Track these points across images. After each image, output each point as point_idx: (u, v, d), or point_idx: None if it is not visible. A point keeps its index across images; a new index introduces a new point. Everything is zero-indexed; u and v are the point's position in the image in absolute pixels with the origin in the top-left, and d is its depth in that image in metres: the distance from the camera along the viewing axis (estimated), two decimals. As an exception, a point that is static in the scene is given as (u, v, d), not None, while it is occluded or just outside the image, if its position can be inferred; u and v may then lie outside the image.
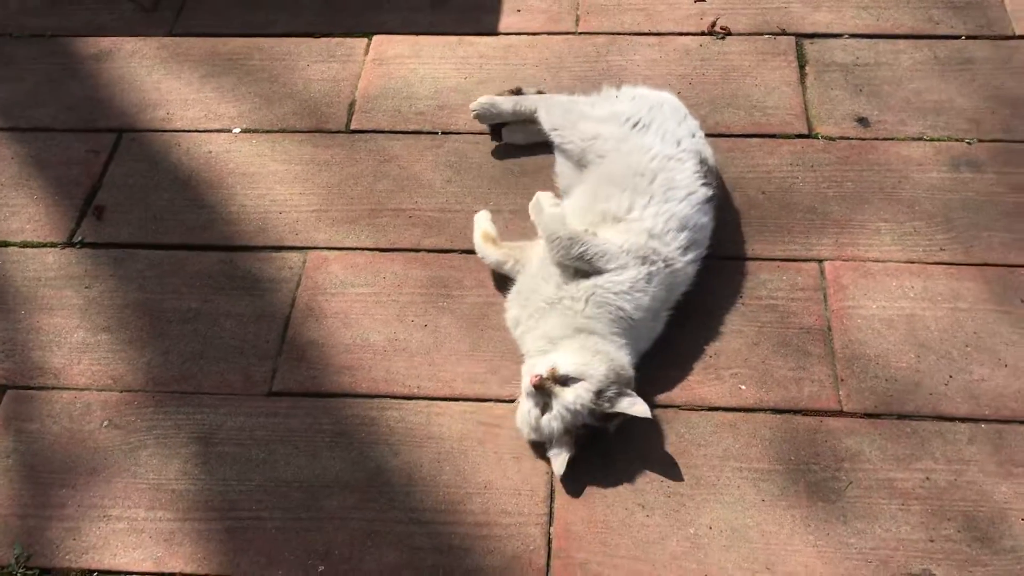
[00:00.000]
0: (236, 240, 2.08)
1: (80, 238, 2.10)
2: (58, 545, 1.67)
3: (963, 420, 1.73)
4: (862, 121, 2.21)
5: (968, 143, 2.14)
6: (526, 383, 1.64)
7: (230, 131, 2.29)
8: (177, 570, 1.63)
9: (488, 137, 2.22)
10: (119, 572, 1.63)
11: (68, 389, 1.87)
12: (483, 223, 1.97)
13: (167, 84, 2.39)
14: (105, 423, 1.81)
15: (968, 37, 2.35)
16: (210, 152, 2.24)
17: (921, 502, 1.64)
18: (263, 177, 2.19)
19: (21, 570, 1.63)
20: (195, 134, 2.28)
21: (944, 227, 2.00)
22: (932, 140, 2.15)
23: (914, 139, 2.16)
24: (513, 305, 1.83)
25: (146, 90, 2.39)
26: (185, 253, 2.06)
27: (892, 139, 2.16)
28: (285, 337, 1.91)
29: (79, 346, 1.93)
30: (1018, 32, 2.35)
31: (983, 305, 1.87)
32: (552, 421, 1.61)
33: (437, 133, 2.25)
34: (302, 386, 1.84)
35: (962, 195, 2.05)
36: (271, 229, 2.09)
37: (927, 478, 1.66)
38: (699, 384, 1.80)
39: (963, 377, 1.78)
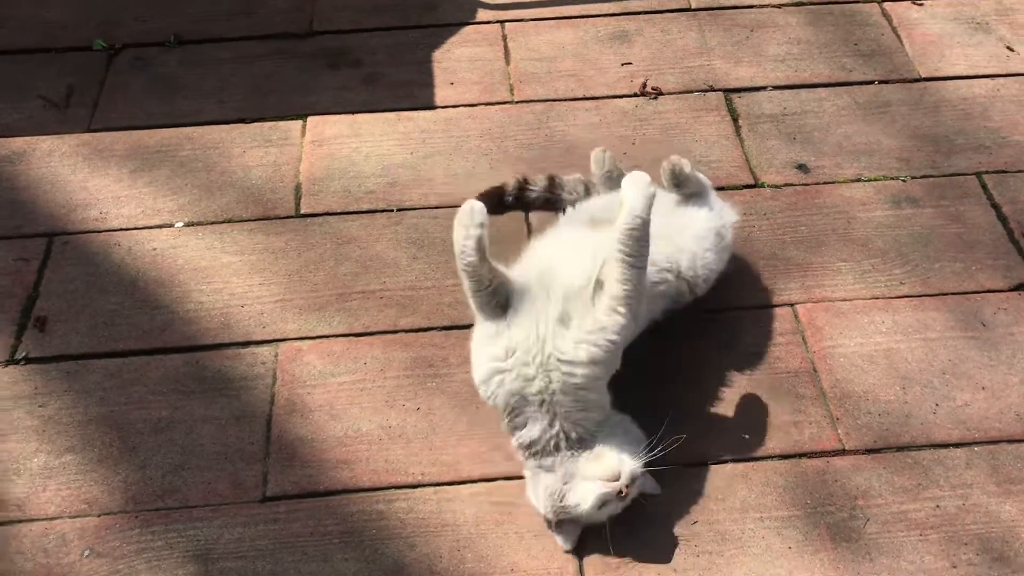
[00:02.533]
0: (199, 339, 1.96)
1: (23, 354, 1.94)
2: None
3: (956, 446, 1.79)
4: (802, 167, 2.30)
5: (903, 180, 2.26)
6: (606, 477, 1.56)
7: (172, 226, 2.18)
8: None
9: (449, 211, 2.19)
10: None
11: (37, 520, 1.70)
12: (480, 217, 1.62)
13: (95, 182, 2.27)
14: (86, 552, 1.66)
15: (880, 82, 2.50)
16: (155, 249, 2.13)
17: (936, 530, 1.68)
18: (217, 271, 2.09)
19: None
20: (135, 232, 2.16)
21: (899, 262, 2.09)
22: (870, 180, 2.26)
23: (853, 180, 2.26)
24: (510, 364, 1.61)
25: (72, 190, 2.25)
26: (145, 358, 1.94)
27: (833, 182, 2.26)
28: (270, 437, 1.81)
29: (42, 471, 1.77)
30: (923, 75, 2.51)
31: (951, 332, 1.96)
32: (583, 506, 1.57)
33: (393, 210, 2.21)
34: (299, 487, 1.75)
35: (909, 230, 2.15)
36: (235, 324, 1.99)
37: (937, 506, 1.71)
38: (701, 440, 1.80)
39: (948, 404, 1.85)
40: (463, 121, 2.41)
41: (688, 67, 2.54)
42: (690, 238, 1.87)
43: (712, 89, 2.49)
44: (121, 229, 2.17)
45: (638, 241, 1.58)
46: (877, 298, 2.02)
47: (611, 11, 2.72)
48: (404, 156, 2.33)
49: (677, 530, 1.68)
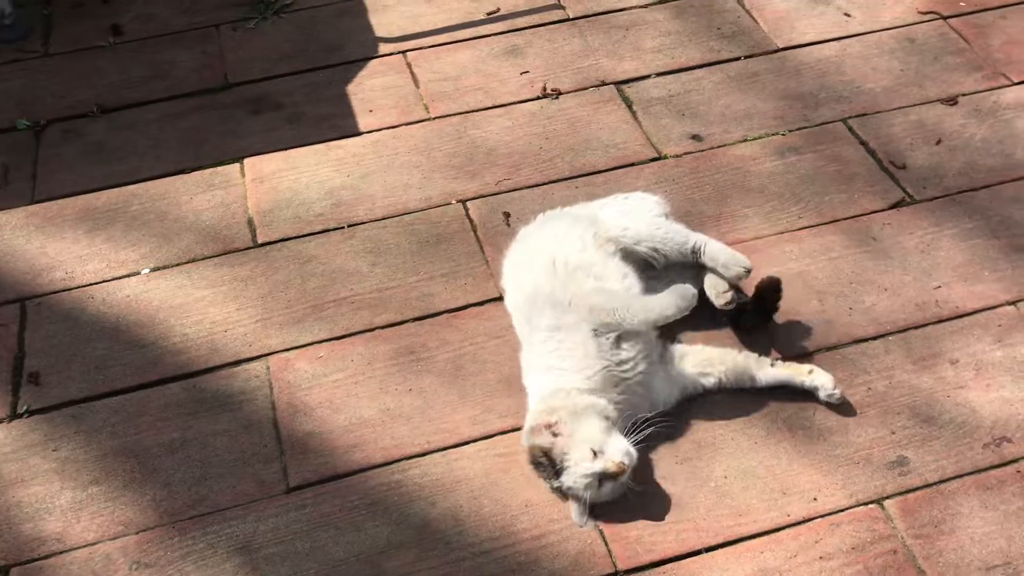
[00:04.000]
0: (192, 366, 2.10)
1: (25, 407, 2.04)
2: None
3: (874, 338, 2.10)
4: (695, 137, 2.60)
5: (783, 134, 2.59)
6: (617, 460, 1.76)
7: (140, 273, 2.31)
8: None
9: (395, 219, 2.41)
10: None
11: (79, 548, 1.81)
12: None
13: (53, 246, 2.38)
14: (134, 566, 1.78)
15: (746, 57, 2.84)
16: (128, 296, 2.26)
17: (873, 407, 1.97)
18: (193, 305, 2.23)
19: None
20: (105, 284, 2.29)
21: (794, 201, 2.41)
22: (755, 139, 2.58)
23: (741, 141, 2.58)
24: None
25: (32, 257, 2.36)
26: (144, 392, 2.07)
27: (724, 145, 2.57)
28: (280, 437, 1.97)
29: (72, 505, 1.88)
30: (780, 46, 2.87)
31: (849, 250, 2.28)
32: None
33: (344, 227, 2.40)
34: (318, 474, 1.91)
35: (796, 174, 2.48)
36: (223, 348, 2.14)
37: (868, 388, 2.00)
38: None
39: (859, 307, 2.16)
40: (389, 141, 2.63)
41: (579, 68, 2.83)
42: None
43: (604, 84, 2.78)
44: (91, 284, 2.29)
45: None
46: (782, 233, 2.33)
47: (499, 30, 2.99)
48: (343, 179, 2.52)
49: (662, 444, 1.91)
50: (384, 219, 2.41)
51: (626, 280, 1.99)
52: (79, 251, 2.36)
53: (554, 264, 1.97)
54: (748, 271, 2.06)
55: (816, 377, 1.95)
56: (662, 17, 3.00)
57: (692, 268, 2.11)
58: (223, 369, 2.10)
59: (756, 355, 1.99)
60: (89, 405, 2.04)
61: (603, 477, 1.74)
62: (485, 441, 1.94)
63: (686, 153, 2.56)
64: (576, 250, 2.00)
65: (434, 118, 2.69)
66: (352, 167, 2.56)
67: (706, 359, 1.97)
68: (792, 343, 2.09)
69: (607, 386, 1.86)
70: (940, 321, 2.12)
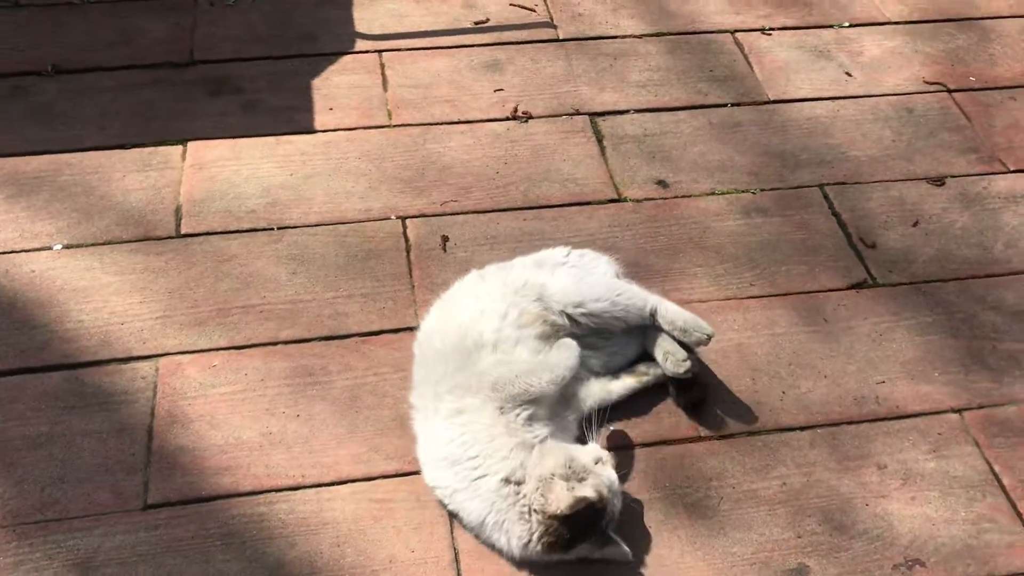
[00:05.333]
0: (79, 357, 1.99)
1: None
2: None
3: (801, 428, 1.95)
4: (661, 183, 2.46)
5: (753, 193, 2.44)
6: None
7: (51, 248, 2.20)
8: None
9: (328, 228, 2.28)
10: None
11: (-89, 538, 1.70)
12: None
13: (-31, 207, 2.27)
14: (-38, 566, 1.67)
15: (733, 104, 2.70)
16: (33, 271, 2.15)
17: (783, 505, 1.82)
18: (96, 290, 2.12)
19: None
20: (12, 255, 2.18)
21: (749, 266, 2.26)
22: (723, 193, 2.44)
23: (708, 194, 2.43)
24: None
25: (-54, 216, 2.25)
26: (23, 377, 1.95)
27: (689, 196, 2.43)
28: (151, 448, 1.85)
29: (-84, 490, 1.77)
30: (772, 97, 2.72)
31: (795, 328, 2.13)
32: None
33: (273, 229, 2.28)
34: (180, 494, 1.79)
35: (758, 237, 2.33)
36: (115, 341, 2.02)
37: (784, 483, 1.86)
38: (570, 432, 1.91)
39: (793, 392, 2.01)
40: (342, 144, 2.50)
41: (556, 93, 2.70)
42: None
43: (578, 113, 2.64)
44: (-2, 253, 2.18)
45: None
46: (729, 299, 2.18)
47: (484, 41, 2.86)
48: (284, 177, 2.40)
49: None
50: (317, 226, 2.29)
51: (538, 356, 1.84)
52: (-5, 216, 2.25)
53: (464, 339, 1.82)
54: (710, 337, 1.93)
55: (653, 368, 1.94)
56: (654, 50, 2.86)
57: (637, 330, 1.97)
58: (110, 364, 1.98)
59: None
60: (-37, 383, 1.93)
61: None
62: (364, 483, 1.82)
63: (647, 199, 2.41)
64: (493, 326, 1.84)
65: (394, 125, 2.57)
66: (297, 166, 2.43)
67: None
68: (711, 420, 1.95)
69: (524, 455, 1.72)
70: (876, 420, 1.97)
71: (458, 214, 2.34)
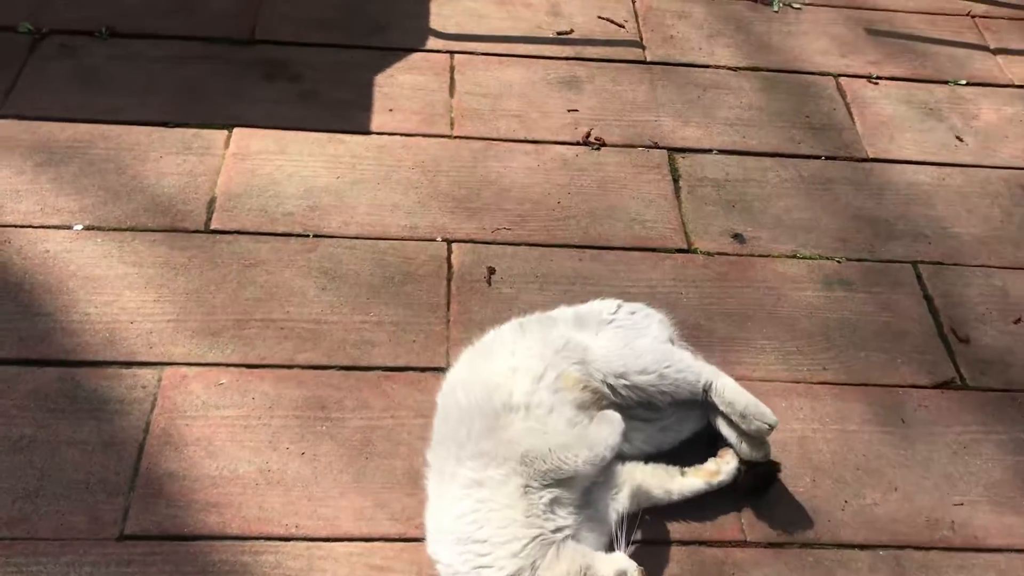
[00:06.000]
0: (79, 354, 1.83)
1: None
2: None
3: (861, 547, 1.72)
4: (737, 237, 2.23)
5: (838, 261, 2.20)
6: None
7: (71, 228, 2.04)
8: None
9: (368, 242, 2.09)
10: None
11: None
12: None
13: (-6, 172, 2.12)
14: (-87, 580, 1.51)
15: (827, 158, 2.45)
16: (47, 251, 1.99)
17: (831, 637, 1.59)
18: (110, 281, 1.95)
19: None
20: (29, 230, 2.03)
21: (824, 346, 2.02)
22: (805, 258, 2.20)
23: (788, 256, 2.19)
24: None
25: (-32, 177, 2.11)
26: (17, 369, 1.80)
27: (767, 256, 2.19)
28: (139, 469, 1.68)
29: None
30: (871, 155, 2.47)
31: (868, 426, 1.89)
32: None
33: (308, 236, 2.09)
34: (161, 527, 1.61)
35: (838, 314, 2.09)
36: (120, 341, 1.86)
37: (834, 610, 1.63)
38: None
39: (857, 502, 1.77)
40: (397, 150, 2.31)
41: (635, 121, 2.47)
42: None
43: (657, 146, 2.42)
44: (15, 225, 2.03)
45: None
46: (798, 382, 1.95)
47: (565, 54, 2.65)
48: (330, 180, 2.22)
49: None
50: (356, 238, 2.10)
51: (575, 428, 1.63)
52: (19, 184, 2.11)
53: (491, 398, 1.61)
54: (772, 427, 1.71)
55: (725, 464, 1.70)
56: (748, 86, 2.61)
57: (692, 404, 1.76)
58: (111, 367, 1.82)
59: (665, 465, 1.69)
60: (-48, 368, 1.78)
61: None
62: (363, 544, 1.63)
63: (720, 253, 2.18)
64: (525, 388, 1.62)
65: (456, 136, 2.37)
66: (345, 168, 2.25)
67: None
68: (760, 524, 1.72)
69: (539, 554, 1.49)
70: (949, 549, 1.73)
71: (509, 244, 2.13)
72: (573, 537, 1.51)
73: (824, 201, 2.34)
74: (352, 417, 1.79)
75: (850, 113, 2.58)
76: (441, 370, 1.87)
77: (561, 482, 1.53)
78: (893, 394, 1.95)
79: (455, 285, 2.03)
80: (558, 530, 1.50)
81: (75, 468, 1.67)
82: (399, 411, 1.81)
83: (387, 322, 1.94)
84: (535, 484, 1.51)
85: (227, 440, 1.73)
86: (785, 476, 1.79)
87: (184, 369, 1.83)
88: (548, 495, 1.51)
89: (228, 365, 1.84)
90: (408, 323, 1.95)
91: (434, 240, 2.12)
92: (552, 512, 1.51)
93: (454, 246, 2.11)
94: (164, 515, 1.62)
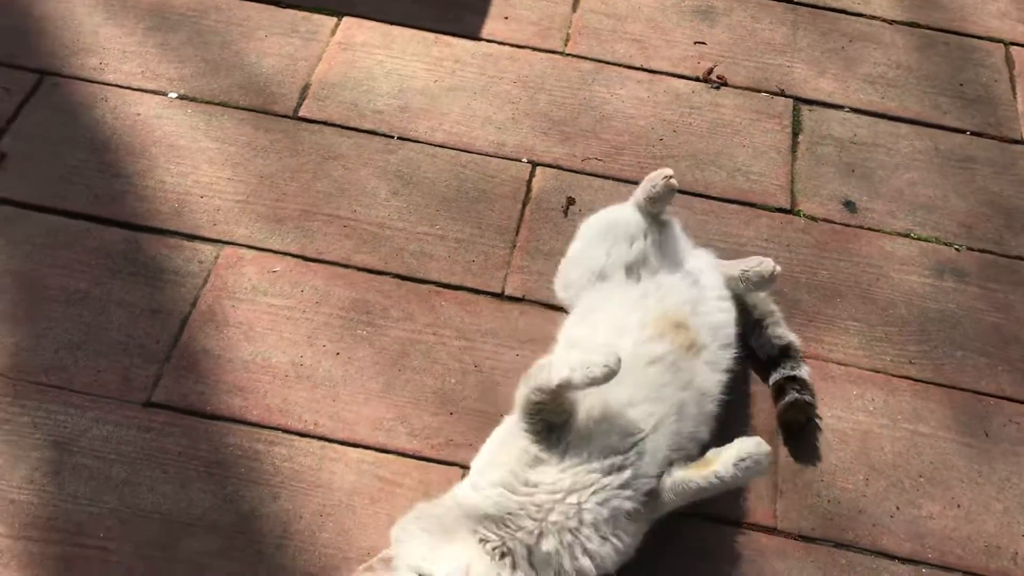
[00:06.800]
0: (147, 220, 1.85)
1: (-29, 186, 1.86)
2: None
3: (904, 560, 1.57)
4: (849, 205, 2.04)
5: (956, 249, 1.98)
6: None
7: (166, 95, 2.06)
8: (-5, 599, 1.41)
9: (451, 152, 2.02)
10: (-73, 591, 1.41)
11: (-83, 361, 1.63)
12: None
13: (106, 31, 2.15)
14: (-48, 407, 1.59)
15: (973, 133, 2.20)
16: (139, 115, 2.01)
17: (845, 649, 1.47)
18: (192, 153, 1.96)
19: None
20: (126, 91, 2.05)
21: (918, 338, 1.83)
22: (919, 239, 1.99)
23: (900, 234, 1.99)
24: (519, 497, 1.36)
25: (82, 32, 2.14)
26: (87, 224, 1.84)
27: (877, 230, 2.00)
28: (178, 340, 1.70)
29: (-58, 312, 1.70)
30: (1025, 137, 2.20)
31: (945, 432, 1.71)
32: None
33: (393, 137, 2.04)
34: (186, 401, 1.63)
35: (942, 305, 1.89)
36: (188, 213, 1.87)
37: (856, 622, 1.50)
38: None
39: (911, 511, 1.62)
40: (502, 61, 2.21)
41: (765, 63, 2.28)
42: None
43: (783, 94, 2.22)
44: (114, 84, 2.06)
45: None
46: (877, 371, 1.78)
47: (706, -18, 2.46)
48: (427, 83, 2.15)
49: None
50: (439, 147, 2.03)
51: None
52: (127, 46, 2.13)
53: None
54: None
55: (725, 455, 1.39)
56: (901, 43, 2.36)
57: None
58: (174, 237, 1.83)
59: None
60: (28, 213, 1.84)
61: None
62: (376, 454, 1.60)
63: (825, 219, 2.00)
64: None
65: (567, 54, 2.24)
66: (445, 73, 2.17)
67: None
68: (795, 513, 1.59)
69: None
70: (1005, 582, 1.56)
71: (597, 176, 2.02)
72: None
73: (957, 180, 2.11)
74: (394, 327, 1.75)
75: (1013, 87, 2.30)
76: (495, 295, 1.80)
77: (550, 433, 1.37)
78: (983, 403, 1.76)
79: (529, 210, 1.94)
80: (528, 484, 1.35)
81: (119, 329, 1.70)
82: (443, 329, 1.75)
83: (450, 237, 1.88)
84: (526, 421, 1.37)
85: (267, 328, 1.72)
86: (836, 470, 1.65)
87: (242, 251, 1.82)
88: (535, 447, 1.37)
89: (285, 254, 1.83)
90: (472, 241, 1.88)
91: (519, 160, 2.03)
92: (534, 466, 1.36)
93: (538, 170, 2.02)
94: (191, 390, 1.64)
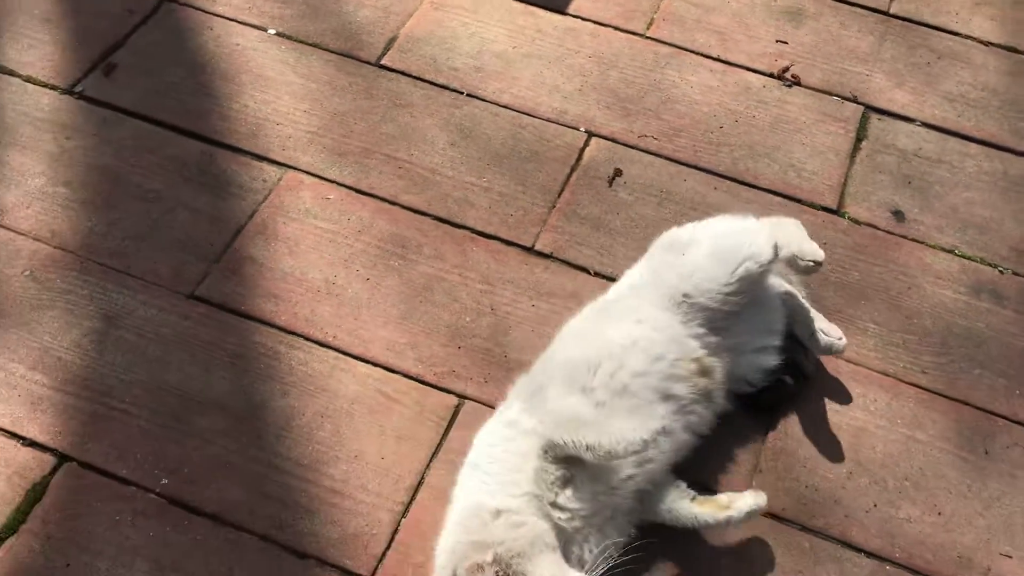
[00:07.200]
0: (224, 137, 2.03)
1: (81, 89, 2.09)
2: (-67, 374, 1.67)
3: (869, 554, 1.59)
4: (897, 214, 2.04)
5: (1001, 271, 1.96)
6: None
7: (265, 30, 2.24)
8: (28, 435, 1.61)
9: (513, 114, 2.13)
10: (-25, 419, 1.62)
11: (7, 229, 1.86)
12: None
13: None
14: (26, 273, 1.80)
15: (1048, 163, 2.15)
16: (238, 45, 2.20)
17: (789, 625, 1.51)
18: (277, 84, 2.14)
19: None
20: (231, 23, 2.24)
21: (936, 350, 1.83)
22: (963, 256, 1.98)
23: (944, 249, 1.98)
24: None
25: (207, -34, 2.35)
26: (172, 134, 2.03)
27: (921, 242, 1.99)
28: (230, 246, 1.87)
29: (36, 192, 1.92)
30: (1105, 174, 2.14)
31: (942, 443, 1.71)
32: None
33: (462, 93, 2.16)
34: (225, 299, 1.80)
35: (971, 323, 1.87)
36: (262, 137, 2.04)
37: (807, 603, 1.53)
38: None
39: (888, 510, 1.63)
40: (582, 37, 2.30)
41: (843, 69, 2.29)
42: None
43: (855, 100, 2.23)
44: (222, 16, 2.25)
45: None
46: (886, 375, 1.79)
47: (802, -15, 2.48)
48: (505, 48, 2.26)
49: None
50: (504, 107, 2.14)
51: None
52: (242, -17, 2.32)
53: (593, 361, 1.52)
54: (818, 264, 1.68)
55: (740, 503, 1.50)
56: (993, 66, 2.33)
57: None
58: (245, 156, 2.01)
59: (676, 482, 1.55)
60: (124, 118, 2.05)
61: None
62: (382, 371, 1.73)
63: (870, 224, 2.01)
64: (638, 368, 1.52)
65: (647, 37, 2.32)
66: (525, 41, 2.28)
67: None
68: (771, 491, 1.62)
69: (536, 512, 1.41)
70: (969, 593, 1.56)
71: (649, 153, 2.09)
72: (572, 536, 1.43)
73: (1019, 207, 2.07)
74: (424, 263, 1.87)
75: (1102, 122, 2.24)
76: (525, 248, 1.90)
77: (574, 464, 1.44)
78: (991, 422, 1.75)
79: (576, 175, 2.03)
80: (556, 507, 1.42)
81: (181, 229, 1.88)
82: (468, 272, 1.86)
83: (495, 190, 1.99)
84: (550, 453, 1.43)
85: (310, 247, 1.88)
86: (821, 459, 1.68)
87: (303, 176, 1.98)
88: (560, 471, 1.44)
89: (340, 184, 1.98)
90: (514, 197, 1.98)
91: (576, 129, 2.12)
92: (560, 488, 1.43)
93: (593, 140, 2.10)
94: (232, 290, 1.80)
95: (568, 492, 1.43)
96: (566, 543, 1.41)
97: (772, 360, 1.64)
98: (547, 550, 1.36)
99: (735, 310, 1.59)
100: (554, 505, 1.42)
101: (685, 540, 1.55)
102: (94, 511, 1.54)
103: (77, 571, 1.48)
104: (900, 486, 1.66)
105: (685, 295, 1.56)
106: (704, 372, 1.56)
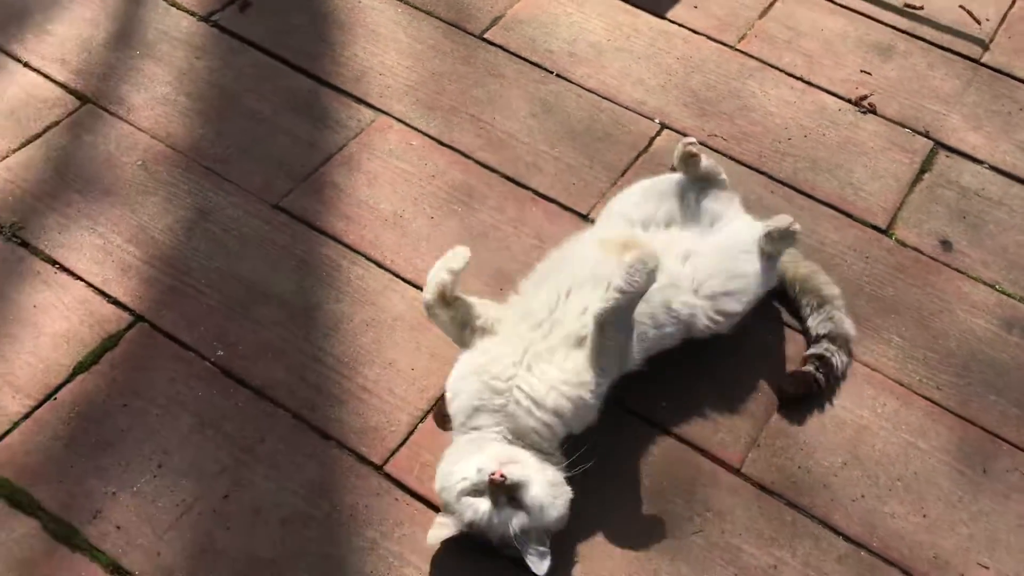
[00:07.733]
0: (332, 78, 2.25)
1: (217, 19, 2.34)
2: (46, 231, 1.92)
3: (847, 539, 1.67)
4: (945, 244, 2.11)
5: (1036, 312, 2.01)
6: (485, 469, 1.46)
7: (384, -6, 2.46)
8: (113, 294, 1.83)
9: (595, 98, 2.28)
10: (72, 272, 1.86)
11: (130, 124, 2.11)
12: (443, 275, 1.64)
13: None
14: (139, 163, 2.04)
15: (1111, 222, 2.18)
16: (360, 3, 2.42)
17: (756, 583, 1.60)
18: (387, 41, 2.35)
19: (8, 234, 1.89)
20: (363, -18, 2.47)
21: (956, 371, 1.90)
22: (1003, 292, 2.03)
23: (985, 283, 2.04)
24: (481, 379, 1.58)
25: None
26: (287, 69, 2.26)
27: (963, 273, 2.06)
28: (317, 170, 2.07)
29: (160, 98, 2.17)
30: None
31: (941, 454, 1.78)
32: (468, 511, 1.47)
33: (552, 73, 2.33)
34: (303, 213, 2.00)
35: (996, 353, 1.93)
36: (364, 82, 2.25)
37: (774, 567, 1.62)
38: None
39: (874, 503, 1.71)
40: (675, 41, 2.45)
41: (922, 106, 2.37)
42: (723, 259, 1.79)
43: (926, 135, 2.31)
44: (356, -24, 2.49)
45: (621, 313, 1.55)
46: (901, 384, 1.87)
47: (899, 25, 2.57)
48: (600, 39, 2.42)
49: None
50: (588, 91, 2.30)
51: None
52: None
53: None
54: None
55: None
56: (1074, 124, 2.37)
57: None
58: (346, 97, 2.22)
59: None
60: (248, 49, 2.30)
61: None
62: (427, 297, 1.89)
63: (915, 248, 2.09)
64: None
65: (736, 49, 2.45)
66: (620, 37, 2.44)
67: None
68: (764, 465, 1.73)
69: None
70: (935, 591, 1.62)
71: (715, 151, 2.22)
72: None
73: (1071, 256, 2.12)
74: (485, 213, 2.04)
75: None
76: (580, 215, 2.05)
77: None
78: (994, 445, 1.80)
79: (641, 160, 2.17)
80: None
81: (279, 148, 2.10)
82: (523, 227, 2.02)
83: (563, 160, 2.15)
84: None
85: (387, 182, 2.07)
86: (820, 446, 1.77)
87: (393, 122, 2.18)
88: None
89: (425, 134, 2.17)
90: (580, 168, 2.14)
91: (651, 120, 2.26)
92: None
93: (665, 131, 2.24)
94: (311, 207, 2.01)
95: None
96: None
97: None
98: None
99: None
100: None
101: (669, 493, 1.67)
102: (156, 366, 1.75)
103: (132, 411, 1.69)
104: (891, 484, 1.73)
105: None
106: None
